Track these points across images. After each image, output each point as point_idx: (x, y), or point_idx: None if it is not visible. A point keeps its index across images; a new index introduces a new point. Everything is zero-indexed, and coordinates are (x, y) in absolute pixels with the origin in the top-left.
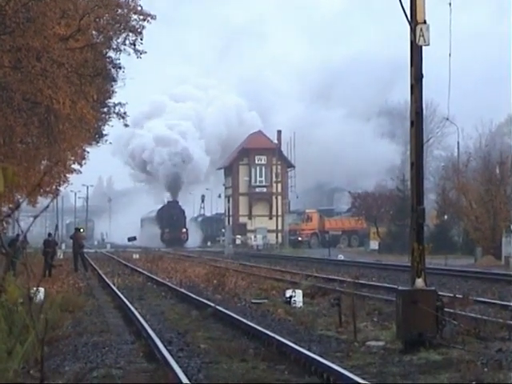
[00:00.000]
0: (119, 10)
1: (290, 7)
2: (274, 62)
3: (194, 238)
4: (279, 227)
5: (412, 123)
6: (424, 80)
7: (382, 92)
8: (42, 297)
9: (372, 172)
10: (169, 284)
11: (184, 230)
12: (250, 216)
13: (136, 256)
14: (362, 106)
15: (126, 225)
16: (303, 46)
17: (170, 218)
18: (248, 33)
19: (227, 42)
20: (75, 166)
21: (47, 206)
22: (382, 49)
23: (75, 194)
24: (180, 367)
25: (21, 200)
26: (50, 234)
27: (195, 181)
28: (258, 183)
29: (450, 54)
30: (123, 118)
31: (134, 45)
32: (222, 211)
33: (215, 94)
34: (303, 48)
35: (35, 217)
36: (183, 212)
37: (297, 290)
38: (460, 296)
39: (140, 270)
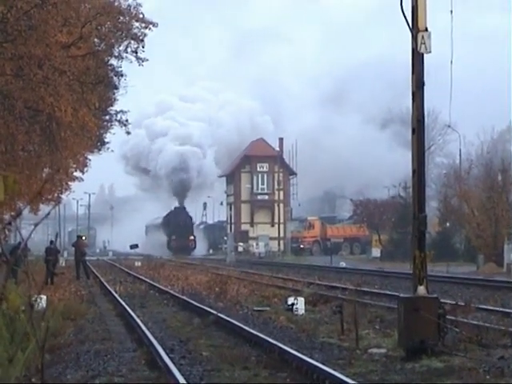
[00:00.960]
0: (121, 18)
1: (305, 11)
2: (287, 66)
3: (199, 245)
4: (281, 235)
5: (413, 130)
6: (425, 87)
7: (399, 98)
8: (44, 304)
9: (385, 182)
10: (171, 292)
11: (192, 237)
12: (251, 223)
13: (138, 264)
14: (377, 113)
15: (128, 232)
16: (317, 49)
17: (177, 225)
18: (261, 36)
19: (240, 45)
20: (77, 174)
21: (48, 214)
22: (399, 54)
23: (77, 202)
24: (182, 375)
25: (22, 208)
26: (51, 242)
27: (203, 186)
28: (259, 191)
29: (451, 62)
30: (125, 125)
31: (136, 52)
32: (224, 219)
33: (228, 97)
34: (317, 52)
35: (36, 224)
36: (191, 218)
37: (299, 298)
38: (462, 303)
39: (142, 277)
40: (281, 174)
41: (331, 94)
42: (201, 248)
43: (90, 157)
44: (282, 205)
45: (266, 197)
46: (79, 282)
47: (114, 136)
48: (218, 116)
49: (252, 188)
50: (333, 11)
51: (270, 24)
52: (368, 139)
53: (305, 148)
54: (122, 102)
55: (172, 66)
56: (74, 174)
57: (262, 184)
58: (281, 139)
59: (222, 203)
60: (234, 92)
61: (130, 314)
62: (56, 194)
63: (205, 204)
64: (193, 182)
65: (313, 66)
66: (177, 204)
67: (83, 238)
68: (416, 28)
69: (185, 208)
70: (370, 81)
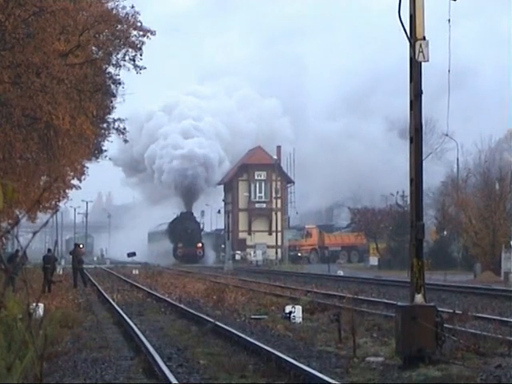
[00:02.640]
0: (119, 26)
1: (332, 17)
2: (311, 67)
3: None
4: (279, 243)
5: (411, 139)
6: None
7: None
8: (41, 313)
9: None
10: (168, 300)
11: (200, 244)
12: (249, 232)
13: (135, 272)
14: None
15: (128, 240)
16: (343, 53)
17: (184, 232)
18: (285, 36)
19: (265, 43)
20: (75, 182)
21: (46, 222)
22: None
23: (75, 210)
24: (179, 383)
25: (20, 216)
26: (49, 250)
27: (207, 193)
28: (257, 199)
29: (449, 71)
30: (123, 133)
31: (134, 60)
32: (222, 227)
33: (247, 95)
34: (343, 55)
35: (34, 233)
36: (198, 225)
37: (296, 306)
38: (459, 312)
39: (139, 285)
40: (278, 183)
41: (355, 100)
42: (209, 256)
43: (87, 165)
44: (279, 213)
45: (264, 205)
46: (76, 290)
47: (112, 143)
48: (236, 120)
49: (250, 196)
50: (360, 15)
51: (296, 24)
52: (389, 149)
53: (320, 155)
54: (136, 105)
55: (195, 66)
56: (72, 181)
57: (260, 192)
58: (278, 147)
59: (219, 211)
60: (254, 90)
61: (127, 322)
62: (54, 202)
63: (202, 212)
64: (201, 186)
65: (338, 69)
66: (183, 209)
67: (81, 246)
68: (414, 37)
69: (192, 213)
70: (394, 87)
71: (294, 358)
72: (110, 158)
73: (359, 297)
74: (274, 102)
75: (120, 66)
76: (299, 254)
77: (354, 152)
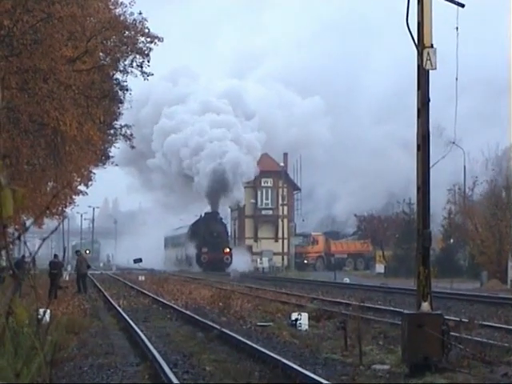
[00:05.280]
0: (126, 32)
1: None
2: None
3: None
4: (285, 250)
5: (418, 147)
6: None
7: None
8: (48, 318)
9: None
10: (174, 306)
11: (227, 249)
12: (255, 238)
13: (142, 278)
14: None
15: (132, 246)
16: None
17: (210, 235)
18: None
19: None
20: (81, 188)
21: (55, 229)
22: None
23: (81, 216)
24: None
25: (27, 222)
26: (55, 256)
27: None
28: (264, 206)
29: (456, 79)
30: (129, 139)
31: (141, 67)
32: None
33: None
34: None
35: (43, 239)
36: (225, 227)
37: (302, 313)
38: (466, 320)
39: (145, 291)
40: (285, 189)
41: (401, 103)
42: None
43: (94, 171)
44: (285, 220)
45: (270, 212)
46: (83, 296)
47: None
48: (273, 120)
49: (256, 203)
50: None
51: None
52: (433, 156)
53: (356, 159)
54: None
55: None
56: (79, 187)
57: (267, 199)
58: (285, 154)
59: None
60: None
61: (133, 328)
62: (60, 208)
63: None
64: (232, 180)
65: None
66: (207, 209)
67: (87, 251)
68: (422, 44)
69: (218, 213)
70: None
71: (299, 366)
72: (116, 165)
73: (365, 304)
74: (316, 102)
75: (127, 72)
76: (305, 261)
77: (395, 158)
